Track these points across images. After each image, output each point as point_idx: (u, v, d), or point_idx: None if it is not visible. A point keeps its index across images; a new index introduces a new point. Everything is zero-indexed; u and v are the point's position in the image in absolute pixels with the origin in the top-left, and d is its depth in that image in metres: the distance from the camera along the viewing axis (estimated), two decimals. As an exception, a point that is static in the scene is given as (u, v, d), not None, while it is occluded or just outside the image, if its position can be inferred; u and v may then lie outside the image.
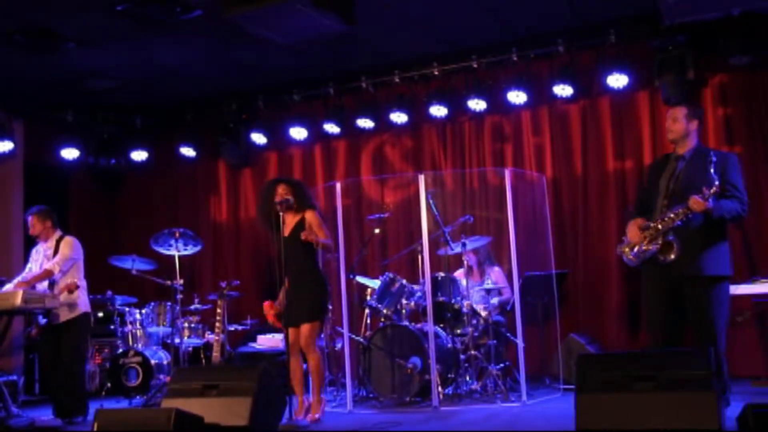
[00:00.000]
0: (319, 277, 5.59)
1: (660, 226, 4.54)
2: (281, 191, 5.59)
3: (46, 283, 6.04)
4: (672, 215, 4.51)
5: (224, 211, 9.13)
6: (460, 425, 5.19)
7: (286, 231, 5.58)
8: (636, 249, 4.65)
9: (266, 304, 5.69)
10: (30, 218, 6.27)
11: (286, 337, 5.48)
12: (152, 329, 7.57)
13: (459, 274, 6.76)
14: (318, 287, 5.53)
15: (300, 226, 5.55)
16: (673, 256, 4.49)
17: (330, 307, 6.52)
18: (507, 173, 6.25)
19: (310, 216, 5.57)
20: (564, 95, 7.36)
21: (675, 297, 4.60)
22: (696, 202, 4.39)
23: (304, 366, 5.64)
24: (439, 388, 5.96)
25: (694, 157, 4.66)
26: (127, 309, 7.61)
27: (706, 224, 4.51)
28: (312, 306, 5.46)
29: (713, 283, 4.53)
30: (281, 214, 5.52)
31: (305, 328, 5.43)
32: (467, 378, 6.29)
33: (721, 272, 4.56)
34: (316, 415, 5.43)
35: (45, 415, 6.20)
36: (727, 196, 4.54)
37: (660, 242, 4.53)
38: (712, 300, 4.51)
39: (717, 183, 4.40)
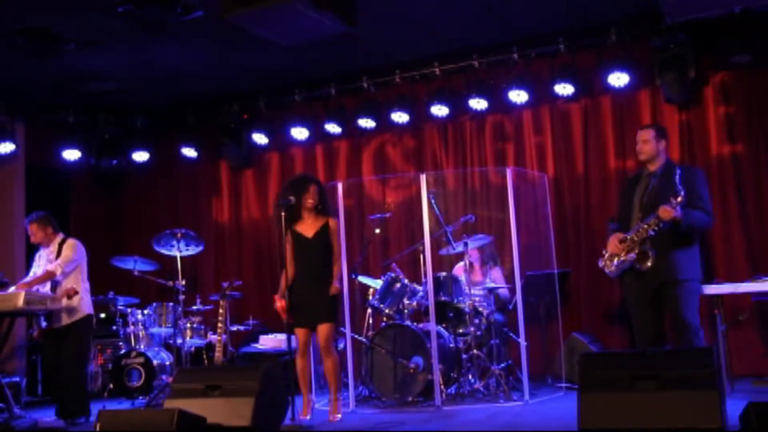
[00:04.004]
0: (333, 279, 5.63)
1: (636, 237, 4.93)
2: (313, 190, 5.62)
3: (48, 285, 6.05)
4: (645, 226, 4.88)
5: (226, 211, 9.13)
6: (462, 425, 5.20)
7: (310, 232, 5.61)
8: (616, 260, 5.04)
9: (277, 297, 5.61)
10: (30, 226, 6.25)
11: (288, 338, 5.48)
12: (154, 330, 7.58)
13: (458, 269, 6.76)
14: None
15: (324, 230, 5.60)
16: (649, 264, 4.85)
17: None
18: (508, 172, 6.25)
19: (334, 225, 5.67)
20: (565, 94, 7.37)
21: (655, 302, 4.98)
22: (665, 211, 4.77)
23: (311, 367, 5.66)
24: (442, 388, 5.96)
25: (664, 173, 5.04)
26: (129, 310, 7.61)
27: (677, 232, 4.86)
28: (330, 307, 5.50)
29: (685, 286, 4.89)
30: (304, 211, 5.60)
31: (324, 328, 5.46)
32: (470, 377, 6.29)
33: (692, 275, 4.93)
34: (338, 416, 5.46)
35: (48, 416, 6.20)
36: (694, 207, 4.90)
37: (636, 252, 4.91)
38: (683, 302, 4.87)
39: (683, 193, 4.78)
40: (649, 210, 4.92)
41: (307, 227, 5.64)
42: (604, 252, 5.16)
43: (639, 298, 5.01)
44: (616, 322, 7.18)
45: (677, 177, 4.84)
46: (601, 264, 5.16)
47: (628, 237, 4.97)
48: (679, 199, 4.75)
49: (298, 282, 5.57)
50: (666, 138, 5.24)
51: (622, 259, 4.98)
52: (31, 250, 6.56)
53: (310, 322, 5.50)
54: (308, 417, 5.45)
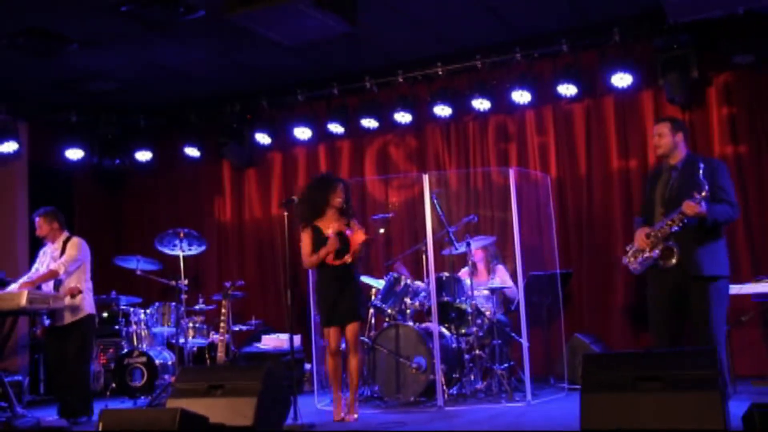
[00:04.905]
0: (359, 279, 5.66)
1: (659, 233, 4.78)
2: (341, 190, 5.60)
3: (51, 284, 6.06)
4: (669, 221, 4.74)
5: (228, 211, 9.14)
6: (464, 425, 5.19)
7: (330, 230, 5.57)
8: (641, 257, 4.88)
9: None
10: (37, 219, 6.30)
11: (291, 338, 5.48)
12: (157, 329, 7.59)
13: (463, 273, 6.75)
14: (360, 288, 5.63)
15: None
16: (674, 261, 4.71)
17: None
18: (511, 173, 6.24)
19: (359, 227, 5.64)
20: (568, 95, 7.36)
21: (677, 299, 4.82)
22: (689, 206, 4.62)
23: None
24: (444, 388, 5.96)
25: (685, 167, 4.90)
26: (131, 309, 7.62)
27: (702, 227, 4.72)
28: (356, 306, 5.53)
29: (712, 283, 4.73)
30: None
31: (354, 326, 5.49)
32: (472, 378, 6.28)
33: (719, 272, 4.77)
34: (355, 415, 5.48)
35: (50, 416, 6.22)
36: (718, 201, 4.76)
37: (660, 248, 4.76)
38: (712, 299, 4.71)
39: (707, 188, 4.62)
40: (671, 205, 4.77)
41: (330, 225, 5.59)
42: (627, 248, 5.02)
43: (660, 295, 4.86)
44: (621, 320, 7.19)
45: (701, 171, 4.65)
46: (625, 261, 5.02)
47: (652, 233, 4.82)
48: (703, 194, 4.58)
49: (323, 282, 5.57)
50: (683, 130, 5.04)
51: (646, 255, 4.83)
52: (35, 249, 6.57)
53: (340, 320, 5.51)
54: (342, 414, 5.47)
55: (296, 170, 8.76)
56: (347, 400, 5.57)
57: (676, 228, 4.70)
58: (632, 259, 4.94)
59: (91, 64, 7.53)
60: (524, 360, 6.02)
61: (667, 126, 4.99)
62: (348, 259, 5.48)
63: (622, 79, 7.06)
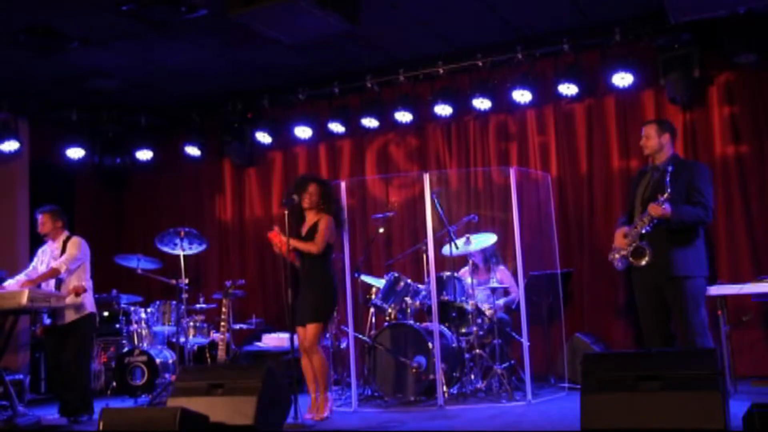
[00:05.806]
0: (328, 279, 5.59)
1: (633, 233, 4.95)
2: (312, 189, 5.63)
3: (52, 283, 6.06)
4: (640, 222, 4.91)
5: (229, 210, 9.14)
6: (464, 424, 5.20)
7: (304, 229, 5.62)
8: (619, 255, 5.08)
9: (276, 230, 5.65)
10: (41, 216, 6.31)
11: (291, 336, 5.49)
12: (157, 328, 7.59)
13: (464, 272, 6.76)
14: (325, 289, 5.55)
15: (314, 228, 5.58)
16: (643, 262, 4.88)
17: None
18: (512, 172, 6.24)
19: (323, 221, 5.58)
20: (569, 94, 7.35)
21: (659, 297, 4.98)
22: (653, 208, 4.81)
23: None
24: (444, 387, 5.96)
25: (667, 168, 4.99)
26: (132, 308, 7.62)
27: (672, 229, 4.85)
28: (318, 307, 5.49)
29: (686, 282, 4.87)
30: (301, 209, 5.63)
31: (308, 328, 5.47)
32: (472, 377, 6.28)
33: (692, 272, 4.90)
34: (324, 414, 5.46)
35: (51, 414, 6.22)
36: (692, 203, 4.90)
37: (633, 247, 4.93)
38: (686, 299, 4.85)
39: (669, 190, 4.78)
40: (646, 205, 4.93)
41: (305, 225, 5.66)
42: (613, 246, 5.18)
43: (643, 295, 5.03)
44: (621, 320, 7.18)
45: (668, 174, 4.83)
46: (609, 258, 5.20)
47: (629, 233, 4.99)
48: (666, 195, 4.75)
49: (299, 281, 5.60)
50: (670, 131, 5.18)
51: (623, 253, 5.01)
52: (35, 248, 6.57)
53: (301, 320, 5.53)
54: (314, 414, 5.46)
55: (297, 169, 8.75)
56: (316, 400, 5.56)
57: (645, 229, 4.85)
58: (615, 256, 5.11)
59: (92, 62, 7.52)
60: (525, 359, 6.02)
61: (654, 128, 5.16)
62: (277, 249, 5.61)
63: (623, 79, 7.05)
